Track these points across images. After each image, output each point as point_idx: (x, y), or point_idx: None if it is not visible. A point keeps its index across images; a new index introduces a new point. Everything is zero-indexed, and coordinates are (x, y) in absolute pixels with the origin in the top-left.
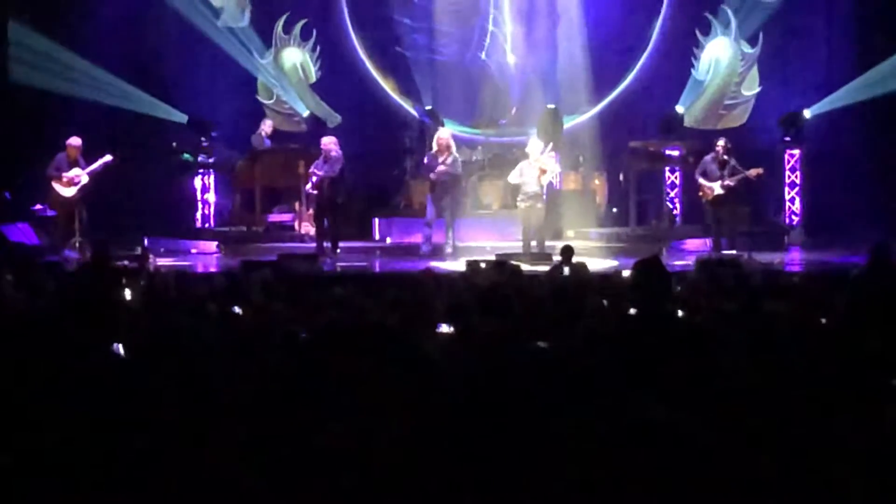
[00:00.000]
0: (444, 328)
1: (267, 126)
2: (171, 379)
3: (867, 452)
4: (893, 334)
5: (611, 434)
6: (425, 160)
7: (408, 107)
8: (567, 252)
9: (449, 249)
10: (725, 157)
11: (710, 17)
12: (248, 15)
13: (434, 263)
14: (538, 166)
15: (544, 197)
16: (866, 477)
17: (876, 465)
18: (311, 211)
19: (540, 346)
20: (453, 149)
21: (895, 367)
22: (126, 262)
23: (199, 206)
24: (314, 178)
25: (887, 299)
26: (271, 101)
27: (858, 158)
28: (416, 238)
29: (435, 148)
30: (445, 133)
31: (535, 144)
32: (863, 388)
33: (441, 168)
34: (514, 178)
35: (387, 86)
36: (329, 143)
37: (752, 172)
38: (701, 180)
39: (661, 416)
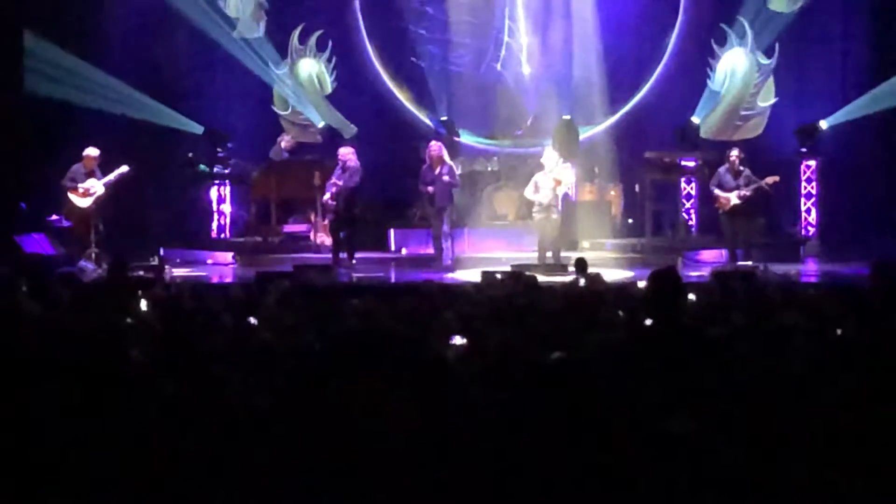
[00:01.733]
0: (458, 339)
1: (286, 141)
2: (187, 390)
3: (881, 463)
4: None
5: (626, 444)
6: (422, 174)
7: (423, 117)
8: (581, 264)
9: (448, 262)
10: (740, 167)
11: (725, 28)
12: (263, 26)
13: (449, 275)
14: (553, 177)
15: (559, 208)
16: (881, 487)
17: (890, 476)
18: (326, 221)
19: (554, 358)
20: (447, 159)
21: None
22: (142, 273)
23: (215, 216)
24: (332, 189)
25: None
26: (287, 112)
27: (875, 169)
28: (432, 249)
29: (427, 161)
30: (436, 145)
31: (550, 155)
32: (878, 402)
33: (440, 180)
34: (529, 192)
35: (402, 96)
36: (347, 153)
37: (769, 180)
38: (716, 191)
39: (677, 428)
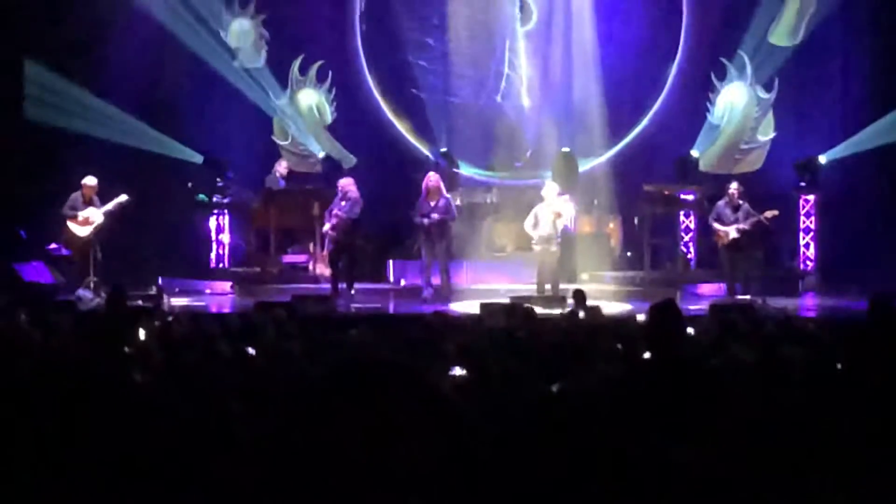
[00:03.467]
0: (458, 370)
1: (282, 167)
2: (185, 420)
3: (882, 497)
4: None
5: (623, 479)
6: (417, 205)
7: (423, 149)
8: (579, 296)
9: (445, 294)
10: (740, 201)
11: (725, 61)
12: (264, 56)
13: (449, 307)
14: (553, 209)
15: (559, 240)
16: None
17: None
18: (325, 252)
19: (553, 390)
20: (444, 191)
21: None
22: (140, 302)
23: (214, 246)
24: (333, 220)
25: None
26: (287, 142)
27: (874, 204)
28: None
29: (424, 192)
30: (434, 176)
31: (549, 187)
32: (879, 437)
33: (434, 213)
34: (529, 226)
35: (402, 128)
36: (348, 184)
37: (768, 214)
38: (715, 225)
39: (677, 460)
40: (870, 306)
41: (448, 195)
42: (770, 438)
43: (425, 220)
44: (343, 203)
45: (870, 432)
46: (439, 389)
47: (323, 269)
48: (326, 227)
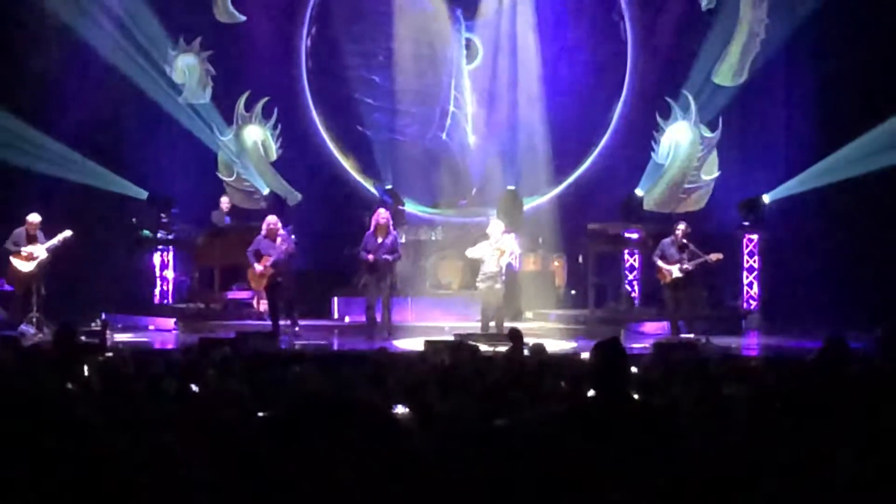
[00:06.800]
0: (401, 409)
1: (224, 203)
2: (128, 457)
3: None
4: (848, 426)
5: None
6: (363, 241)
7: (368, 186)
8: (515, 334)
9: (385, 333)
10: (684, 240)
11: (670, 101)
12: (209, 92)
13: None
14: (498, 247)
15: (503, 278)
16: None
17: None
18: (262, 288)
19: (497, 427)
20: (392, 228)
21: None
22: (84, 338)
23: (158, 282)
24: (270, 259)
25: (842, 391)
26: (231, 179)
27: (817, 244)
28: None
29: (372, 228)
30: (384, 213)
31: (495, 226)
32: (820, 475)
33: (382, 249)
34: (472, 252)
35: (347, 165)
36: (276, 221)
37: (713, 257)
38: (659, 263)
39: (619, 500)
40: (824, 346)
41: (395, 232)
42: (713, 476)
43: (371, 257)
44: (274, 241)
45: (812, 470)
46: (395, 422)
47: (267, 306)
48: (260, 268)
